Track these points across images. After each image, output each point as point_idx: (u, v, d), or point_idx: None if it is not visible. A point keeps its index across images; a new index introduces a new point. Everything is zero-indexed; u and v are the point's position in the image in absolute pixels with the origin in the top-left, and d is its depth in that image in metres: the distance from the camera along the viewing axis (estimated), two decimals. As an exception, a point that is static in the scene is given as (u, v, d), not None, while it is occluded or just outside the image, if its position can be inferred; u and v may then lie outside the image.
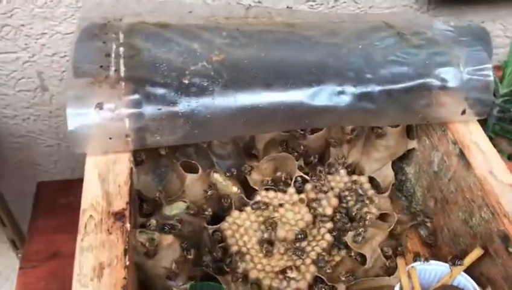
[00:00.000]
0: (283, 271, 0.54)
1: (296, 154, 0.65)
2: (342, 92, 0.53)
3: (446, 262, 0.54)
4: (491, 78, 0.56)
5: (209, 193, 0.58)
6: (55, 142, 0.92)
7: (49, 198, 0.88)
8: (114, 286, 0.42)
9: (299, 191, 0.62)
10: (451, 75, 0.56)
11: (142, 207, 0.55)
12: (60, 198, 0.87)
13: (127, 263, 0.43)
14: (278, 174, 0.66)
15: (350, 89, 0.53)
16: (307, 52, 0.55)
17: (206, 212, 0.57)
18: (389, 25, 0.61)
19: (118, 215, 0.46)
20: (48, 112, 0.87)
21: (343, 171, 0.64)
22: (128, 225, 0.46)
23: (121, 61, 0.52)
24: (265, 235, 0.58)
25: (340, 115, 0.54)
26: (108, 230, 0.45)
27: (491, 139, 0.76)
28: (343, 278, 0.54)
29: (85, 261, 0.43)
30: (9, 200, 0.98)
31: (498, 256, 0.51)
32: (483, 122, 0.72)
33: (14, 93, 0.83)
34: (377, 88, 0.54)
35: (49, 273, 0.78)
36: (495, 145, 0.74)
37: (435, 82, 0.55)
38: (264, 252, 0.56)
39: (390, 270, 0.56)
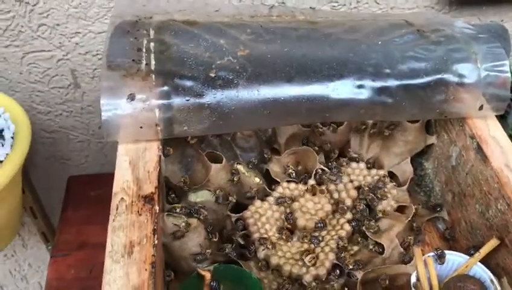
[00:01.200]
0: (300, 255, 0.56)
1: (316, 148, 0.67)
2: (361, 86, 0.55)
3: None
4: (508, 74, 0.57)
5: (234, 179, 0.60)
6: (85, 137, 0.96)
7: (79, 191, 0.92)
8: (144, 262, 0.45)
9: (319, 183, 0.64)
10: (468, 71, 0.57)
11: (169, 195, 0.58)
12: (89, 191, 0.91)
13: (156, 241, 0.46)
14: (299, 167, 0.68)
15: (369, 83, 0.55)
16: (327, 48, 0.58)
17: (230, 198, 0.59)
18: (409, 23, 0.63)
19: (148, 199, 0.49)
20: (79, 109, 0.91)
21: (362, 165, 0.66)
22: (156, 208, 0.49)
23: (152, 55, 0.55)
24: (286, 224, 0.60)
25: (359, 108, 0.56)
26: (138, 212, 0.48)
27: (511, 137, 0.77)
28: (350, 266, 0.55)
29: (116, 240, 0.46)
30: (40, 193, 1.02)
31: (513, 246, 0.52)
32: (503, 120, 0.74)
33: (48, 90, 0.87)
34: (395, 83, 0.56)
35: (78, 261, 0.81)
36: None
37: (452, 78, 0.57)
38: (284, 237, 0.58)
39: (407, 261, 0.58)
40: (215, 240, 0.54)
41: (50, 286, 0.80)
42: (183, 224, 0.51)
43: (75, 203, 0.90)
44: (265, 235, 0.59)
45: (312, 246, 0.58)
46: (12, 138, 0.72)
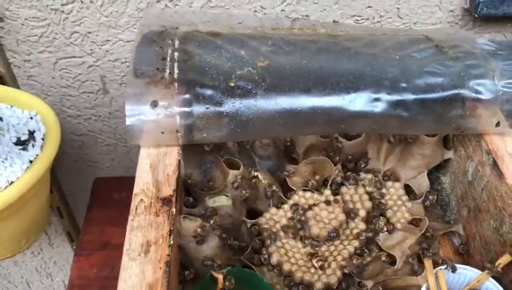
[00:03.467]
0: (310, 259, 0.57)
1: (334, 159, 0.68)
2: (377, 99, 0.57)
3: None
4: (526, 91, 0.58)
5: (253, 181, 0.62)
6: (112, 141, 0.99)
7: (104, 193, 0.95)
8: (159, 261, 0.47)
9: (335, 193, 0.66)
10: (485, 87, 0.58)
11: (188, 200, 0.60)
12: (114, 193, 0.94)
13: (171, 242, 0.48)
14: (317, 177, 0.69)
15: (385, 97, 0.57)
16: (345, 61, 0.59)
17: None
18: (428, 38, 0.64)
19: (166, 201, 0.51)
20: (107, 113, 0.94)
21: (379, 177, 0.67)
22: (174, 210, 0.51)
23: (175, 64, 0.57)
24: (301, 232, 0.61)
25: (374, 121, 0.57)
26: (156, 213, 0.51)
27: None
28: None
29: (134, 238, 0.48)
30: (67, 194, 1.06)
31: (526, 263, 0.52)
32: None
33: (78, 94, 0.91)
34: (411, 97, 0.57)
35: (100, 261, 0.84)
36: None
37: (469, 93, 0.57)
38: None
39: (419, 273, 0.58)
40: (229, 243, 0.56)
41: (72, 284, 0.83)
42: (199, 227, 0.53)
43: (100, 204, 0.93)
44: (279, 243, 0.60)
45: (316, 249, 0.59)
46: (42, 139, 0.75)
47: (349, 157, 0.69)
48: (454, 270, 0.55)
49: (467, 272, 0.57)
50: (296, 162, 0.70)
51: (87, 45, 0.84)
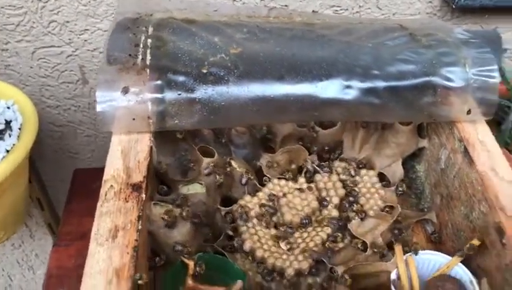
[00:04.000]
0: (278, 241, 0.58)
1: (311, 148, 0.69)
2: (349, 87, 0.57)
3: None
4: (497, 79, 0.58)
5: (227, 170, 0.62)
6: (92, 132, 0.98)
7: (83, 184, 0.94)
8: (126, 246, 0.47)
9: (310, 181, 0.66)
10: (456, 75, 0.58)
11: (162, 188, 0.60)
12: (93, 184, 0.93)
13: (140, 227, 0.48)
14: (293, 166, 0.69)
15: (357, 84, 0.57)
16: (319, 49, 0.59)
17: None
18: (403, 27, 0.64)
19: (136, 187, 0.51)
20: (87, 104, 0.94)
21: (353, 165, 0.67)
22: (143, 196, 0.51)
23: (148, 51, 0.57)
24: (274, 219, 0.62)
25: (347, 108, 0.58)
26: (125, 199, 0.51)
27: (507, 144, 0.78)
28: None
29: (102, 224, 0.48)
30: (48, 185, 1.05)
31: (493, 248, 0.53)
32: (498, 127, 0.74)
33: (57, 84, 0.90)
34: (382, 84, 0.57)
35: (79, 251, 0.84)
36: (510, 151, 0.76)
37: (440, 81, 0.58)
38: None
39: (389, 260, 0.59)
40: (201, 231, 0.56)
41: (50, 273, 0.83)
42: (167, 213, 0.53)
43: (79, 195, 0.92)
44: (252, 230, 0.60)
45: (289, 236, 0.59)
46: (19, 129, 0.75)
47: (326, 146, 0.70)
48: (416, 253, 0.56)
49: (437, 258, 0.57)
50: (273, 151, 0.70)
51: (65, 34, 0.83)
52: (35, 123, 0.76)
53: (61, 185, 1.04)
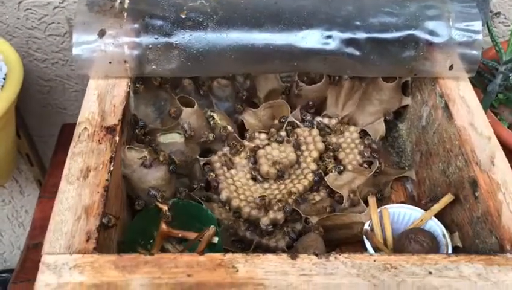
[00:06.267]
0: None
1: (296, 104, 0.68)
2: (329, 37, 0.56)
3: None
4: (480, 35, 0.57)
5: (210, 122, 0.62)
6: (80, 88, 0.98)
7: (70, 138, 0.94)
8: (97, 185, 0.47)
9: (291, 135, 0.66)
10: (439, 29, 0.57)
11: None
12: (80, 138, 0.94)
13: (111, 168, 0.48)
14: (275, 121, 0.69)
15: (337, 34, 0.56)
16: (301, -2, 0.58)
17: (205, 137, 0.61)
18: (389, -20, 0.63)
19: (110, 129, 0.51)
20: (75, 58, 0.93)
21: (334, 121, 0.67)
22: (117, 138, 0.51)
23: (127, -6, 0.56)
24: (252, 171, 0.62)
25: (326, 59, 0.57)
26: (99, 141, 0.50)
27: (494, 107, 0.77)
28: (328, 210, 0.57)
29: (74, 164, 0.48)
30: (37, 141, 1.05)
31: (466, 202, 0.53)
32: (484, 89, 0.74)
33: (44, 37, 0.89)
34: (363, 35, 0.56)
35: (63, 204, 0.84)
36: (496, 114, 0.75)
37: (423, 34, 0.57)
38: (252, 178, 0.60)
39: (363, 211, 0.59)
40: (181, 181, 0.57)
41: (35, 225, 0.84)
42: (144, 156, 0.53)
43: (65, 149, 0.92)
44: (229, 180, 0.60)
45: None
46: (4, 79, 0.74)
47: (309, 102, 0.69)
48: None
49: (412, 212, 0.57)
50: (257, 106, 0.70)
51: (52, -16, 0.82)
52: (20, 73, 0.75)
53: (50, 140, 1.04)
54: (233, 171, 0.61)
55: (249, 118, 0.68)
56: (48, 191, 0.87)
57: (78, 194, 0.46)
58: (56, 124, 1.00)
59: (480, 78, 0.74)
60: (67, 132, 0.96)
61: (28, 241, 0.82)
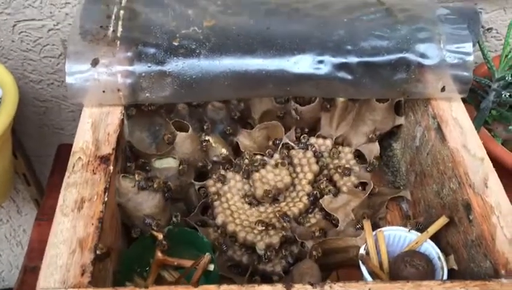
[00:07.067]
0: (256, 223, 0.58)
1: (290, 125, 0.69)
2: (321, 62, 0.56)
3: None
4: (471, 56, 0.58)
5: (203, 145, 0.62)
6: (77, 108, 0.98)
7: (67, 158, 0.94)
8: (91, 217, 0.47)
9: (286, 157, 0.66)
10: (430, 52, 0.58)
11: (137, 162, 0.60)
12: (77, 159, 0.94)
13: (106, 199, 0.48)
14: (270, 142, 0.69)
15: (329, 59, 0.56)
16: (293, 23, 0.59)
17: (201, 164, 0.61)
18: (380, 2, 0.64)
19: (104, 159, 0.51)
20: (70, 79, 0.93)
21: (329, 142, 0.67)
22: (111, 168, 0.51)
23: (120, 22, 0.57)
24: (248, 193, 0.62)
25: (319, 83, 0.57)
26: (93, 171, 0.51)
27: (487, 124, 0.77)
28: (317, 234, 0.57)
29: (68, 195, 0.48)
30: (34, 161, 1.05)
31: (461, 224, 0.53)
32: (478, 106, 0.74)
33: (39, 58, 0.89)
34: (355, 59, 0.57)
35: (60, 226, 0.84)
36: (490, 130, 0.75)
37: (414, 57, 0.57)
38: (247, 202, 0.60)
39: (358, 234, 0.59)
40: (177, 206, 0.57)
41: (32, 246, 0.84)
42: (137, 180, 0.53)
43: (62, 170, 0.92)
44: (225, 204, 0.61)
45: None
46: (-1, 101, 0.74)
47: (304, 123, 0.69)
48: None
49: (407, 234, 0.57)
50: (252, 127, 0.70)
51: (46, 7, 0.82)
52: (15, 95, 0.76)
53: (47, 160, 1.04)
54: (229, 195, 0.61)
55: (244, 139, 0.68)
56: (45, 213, 0.87)
57: (72, 227, 0.46)
58: (53, 144, 1.00)
59: (473, 95, 0.74)
60: (64, 152, 0.96)
61: (25, 262, 0.82)
